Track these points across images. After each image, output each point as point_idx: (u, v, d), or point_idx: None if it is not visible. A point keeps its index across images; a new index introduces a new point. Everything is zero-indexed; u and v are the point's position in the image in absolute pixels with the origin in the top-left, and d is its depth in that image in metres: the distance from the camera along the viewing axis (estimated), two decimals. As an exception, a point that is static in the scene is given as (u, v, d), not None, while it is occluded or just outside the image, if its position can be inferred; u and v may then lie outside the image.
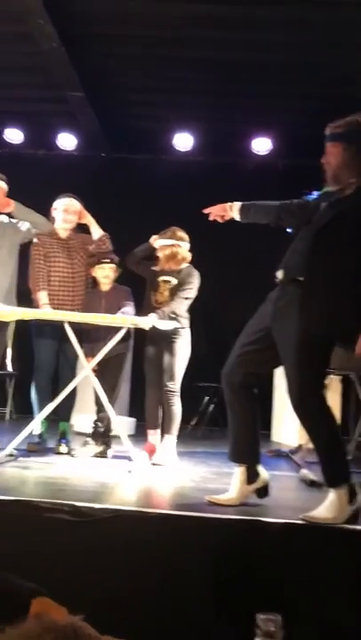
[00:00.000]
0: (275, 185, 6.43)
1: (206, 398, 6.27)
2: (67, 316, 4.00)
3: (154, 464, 4.13)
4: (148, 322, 4.01)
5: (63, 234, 4.48)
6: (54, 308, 4.25)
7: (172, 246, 4.34)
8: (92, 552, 2.42)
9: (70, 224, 4.47)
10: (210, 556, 2.37)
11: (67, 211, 4.43)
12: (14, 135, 7.00)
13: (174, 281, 4.35)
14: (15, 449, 3.85)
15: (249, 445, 2.93)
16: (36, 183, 6.15)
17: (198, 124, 6.69)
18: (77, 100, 6.14)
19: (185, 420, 5.71)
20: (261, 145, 6.78)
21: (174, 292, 4.33)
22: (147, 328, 4.04)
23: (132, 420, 5.91)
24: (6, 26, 5.27)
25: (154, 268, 4.45)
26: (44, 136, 7.01)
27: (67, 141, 7.02)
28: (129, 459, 4.01)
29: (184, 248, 4.39)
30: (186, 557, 2.39)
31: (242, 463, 2.92)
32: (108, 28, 5.36)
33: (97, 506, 2.55)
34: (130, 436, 4.82)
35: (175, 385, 4.31)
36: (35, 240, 4.40)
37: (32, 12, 4.85)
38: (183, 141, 6.81)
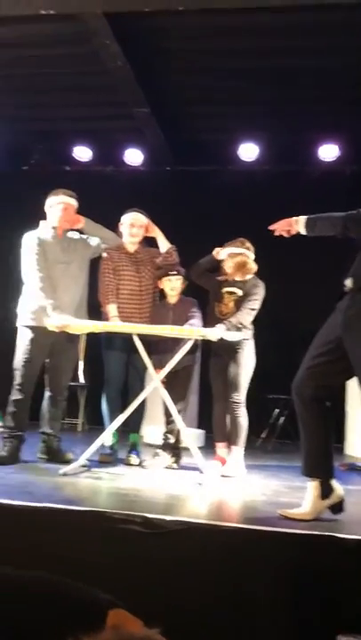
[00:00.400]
0: (342, 192, 6.29)
1: (277, 410, 6.18)
2: (135, 329, 4.04)
3: (223, 476, 4.10)
4: (215, 333, 4.00)
5: (131, 248, 4.54)
6: (123, 321, 4.31)
7: (242, 254, 4.33)
8: (164, 564, 2.42)
9: (137, 238, 4.53)
10: (283, 572, 2.32)
11: (133, 225, 4.50)
12: (83, 153, 7.18)
13: (240, 292, 4.33)
14: (87, 460, 3.91)
15: (322, 459, 2.86)
16: (105, 199, 6.28)
17: (263, 134, 6.66)
18: (143, 115, 6.24)
19: (256, 433, 5.67)
20: (328, 152, 6.67)
21: (240, 303, 4.31)
22: (214, 339, 4.03)
23: (201, 431, 5.90)
24: (73, 47, 5.43)
25: (218, 279, 4.45)
26: (112, 153, 7.16)
27: (133, 157, 7.14)
28: (199, 471, 3.99)
29: (251, 258, 4.37)
30: (258, 573, 2.35)
31: (315, 478, 2.85)
32: (170, 44, 5.43)
33: (168, 518, 2.55)
34: (199, 447, 4.81)
35: (240, 396, 4.28)
36: (104, 255, 4.49)
37: (98, 33, 4.98)
38: (248, 151, 6.79)
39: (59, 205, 4.25)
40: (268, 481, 4.00)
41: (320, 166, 6.76)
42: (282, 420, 6.12)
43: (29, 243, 4.17)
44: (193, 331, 4.03)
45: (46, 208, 4.32)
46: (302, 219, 3.00)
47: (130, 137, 6.96)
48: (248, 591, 2.31)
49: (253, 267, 4.37)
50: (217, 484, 3.74)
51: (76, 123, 6.89)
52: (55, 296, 4.06)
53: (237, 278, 4.37)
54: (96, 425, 6.33)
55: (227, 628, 2.24)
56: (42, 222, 4.33)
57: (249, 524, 2.63)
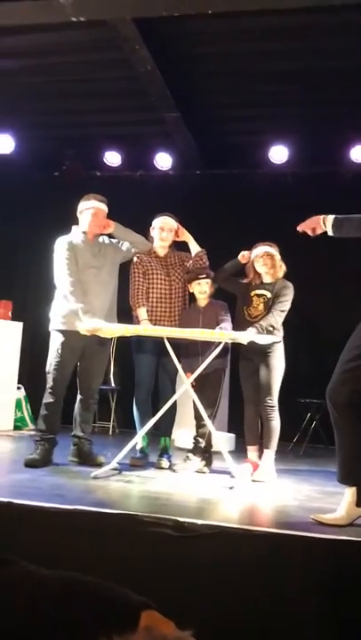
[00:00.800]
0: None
1: (308, 415, 6.12)
2: (166, 332, 4.05)
3: (254, 480, 4.07)
4: (246, 336, 3.99)
5: (161, 252, 4.56)
6: (153, 324, 4.32)
7: (272, 254, 4.33)
8: (195, 567, 2.41)
9: (167, 242, 4.55)
10: (316, 578, 2.29)
11: (163, 229, 4.52)
12: (113, 158, 7.24)
13: (269, 294, 4.32)
14: (118, 463, 3.93)
15: (357, 465, 2.81)
16: (135, 203, 6.32)
17: (293, 136, 6.62)
18: (173, 120, 6.27)
19: (287, 438, 5.62)
20: (359, 153, 6.59)
21: (269, 305, 4.29)
22: (245, 343, 4.01)
23: (232, 435, 5.87)
24: (103, 53, 5.48)
25: (245, 282, 4.44)
26: (142, 157, 7.20)
27: (163, 161, 7.17)
28: (230, 475, 3.97)
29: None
30: (290, 578, 2.33)
31: (351, 484, 2.81)
32: (199, 48, 5.44)
33: (200, 522, 2.54)
34: (230, 451, 4.79)
35: (273, 399, 4.25)
36: (134, 259, 4.51)
37: (127, 38, 5.02)
38: (279, 154, 6.75)
39: (89, 210, 4.29)
40: (300, 486, 3.96)
41: (352, 168, 6.69)
42: (314, 424, 6.06)
43: (61, 247, 4.21)
44: (224, 334, 4.02)
45: (78, 213, 4.37)
46: (330, 218, 2.97)
47: (159, 141, 6.99)
48: (280, 596, 2.29)
49: (283, 267, 4.37)
50: (248, 489, 3.72)
51: (106, 128, 6.95)
52: (86, 300, 4.09)
53: (267, 280, 4.36)
54: (127, 428, 6.37)
55: (258, 632, 2.22)
56: (74, 227, 4.38)
57: (281, 528, 2.60)
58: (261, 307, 4.32)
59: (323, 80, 5.68)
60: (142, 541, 2.51)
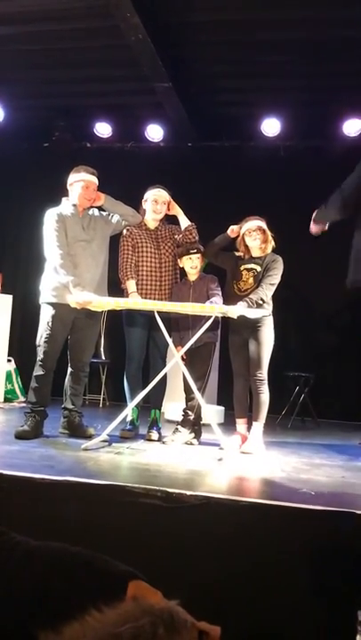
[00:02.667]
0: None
1: (297, 388, 6.17)
2: (157, 306, 4.05)
3: (243, 452, 4.12)
4: (236, 310, 4.00)
5: (152, 224, 4.53)
6: (142, 297, 4.32)
7: (263, 229, 4.33)
8: (183, 537, 2.45)
9: (160, 215, 4.52)
10: (304, 548, 2.34)
11: (156, 201, 4.49)
12: (103, 129, 7.14)
13: (258, 268, 4.33)
14: (108, 435, 3.96)
15: None
16: (126, 175, 6.26)
17: (286, 109, 6.55)
18: (164, 90, 6.17)
19: (275, 411, 5.68)
20: (352, 127, 6.55)
21: (258, 278, 4.30)
22: (235, 317, 4.02)
23: (221, 408, 5.92)
24: (93, 20, 5.36)
25: (235, 255, 4.44)
26: (133, 128, 7.10)
27: (155, 132, 7.08)
28: (219, 446, 4.02)
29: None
30: (278, 548, 2.37)
31: None
32: (192, 16, 5.33)
33: (188, 492, 2.57)
34: (219, 424, 4.84)
35: (263, 373, 4.28)
36: (124, 231, 4.49)
37: (118, 5, 4.91)
38: (271, 126, 6.69)
39: (79, 183, 4.24)
40: (288, 458, 4.01)
41: (344, 142, 6.64)
42: (302, 397, 6.12)
43: (50, 220, 4.18)
44: (214, 307, 4.03)
45: (68, 185, 4.32)
46: (312, 223, 3.14)
47: (151, 112, 6.90)
48: (267, 566, 2.33)
49: (273, 242, 4.38)
50: (237, 460, 3.76)
51: (96, 98, 6.84)
52: (76, 273, 4.07)
53: (256, 254, 4.36)
54: (117, 401, 6.41)
55: (245, 601, 2.27)
56: (64, 199, 4.33)
57: (268, 499, 2.64)
58: (251, 280, 4.33)
59: (316, 52, 5.60)
60: (131, 512, 2.55)
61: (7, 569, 1.27)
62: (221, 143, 7.06)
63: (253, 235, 4.33)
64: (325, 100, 6.33)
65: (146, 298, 4.33)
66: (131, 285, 4.39)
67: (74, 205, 4.25)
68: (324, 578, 2.26)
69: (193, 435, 4.41)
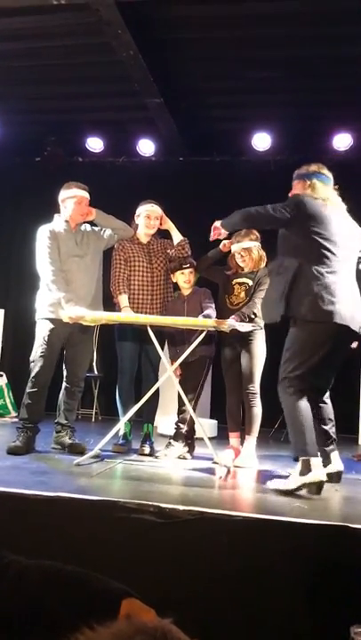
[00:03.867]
0: (356, 181, 6.24)
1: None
2: (149, 320, 4.05)
3: (236, 466, 4.11)
4: (228, 324, 4.00)
5: (145, 239, 4.55)
6: (134, 312, 4.32)
7: (255, 248, 4.39)
8: (177, 554, 2.43)
9: (153, 230, 4.54)
10: (298, 563, 2.32)
11: (149, 217, 4.51)
12: (95, 144, 7.18)
13: (250, 282, 4.36)
14: (101, 450, 3.94)
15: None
16: (117, 190, 6.28)
17: (276, 123, 6.61)
18: (156, 105, 6.22)
19: (268, 424, 5.66)
20: (342, 141, 6.61)
21: (250, 293, 4.33)
22: (227, 330, 4.03)
23: (214, 422, 5.91)
24: (85, 37, 5.41)
25: (227, 273, 4.48)
26: (125, 143, 7.15)
27: (146, 147, 7.12)
28: (212, 461, 4.00)
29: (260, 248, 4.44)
30: (272, 562, 2.36)
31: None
32: (182, 33, 5.39)
33: (182, 507, 2.56)
34: (212, 438, 4.83)
35: (255, 386, 4.29)
36: (116, 245, 4.50)
37: (110, 22, 4.96)
38: (262, 141, 6.74)
39: (72, 199, 4.25)
40: (282, 471, 4.00)
41: (335, 156, 6.70)
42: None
43: (43, 236, 4.18)
44: (206, 321, 4.03)
45: (60, 201, 4.33)
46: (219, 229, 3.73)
47: (142, 127, 6.94)
48: (261, 581, 2.32)
49: (264, 257, 4.40)
50: (230, 474, 3.75)
51: (88, 113, 6.88)
52: (69, 289, 4.07)
53: (247, 270, 4.40)
54: (110, 415, 6.38)
55: (240, 618, 2.25)
56: (56, 216, 4.34)
57: (262, 513, 2.63)
58: (243, 294, 4.35)
59: (306, 68, 5.67)
60: (124, 528, 2.53)
61: (0, 588, 1.26)
62: (212, 158, 7.11)
63: (239, 257, 4.41)
64: (315, 114, 6.40)
65: (138, 312, 4.34)
66: (123, 300, 4.39)
67: (66, 221, 4.26)
68: (318, 592, 2.25)
69: (186, 448, 4.39)
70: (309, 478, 3.08)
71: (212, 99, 6.45)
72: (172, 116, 6.43)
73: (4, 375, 6.60)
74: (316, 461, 3.12)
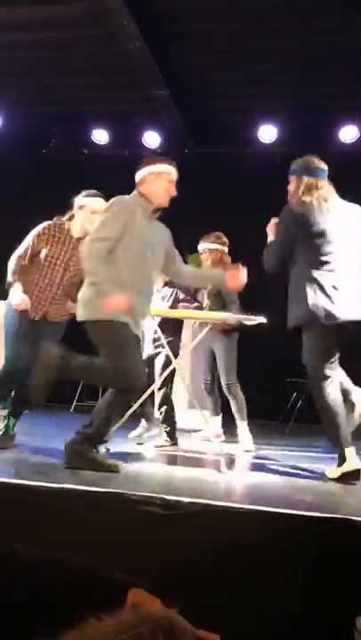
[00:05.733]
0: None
1: (294, 394, 6.17)
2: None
3: (245, 451, 4.32)
4: (235, 318, 4.12)
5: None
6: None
7: (218, 250, 4.60)
8: (182, 545, 2.44)
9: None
10: (302, 555, 2.33)
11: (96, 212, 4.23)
12: (101, 136, 7.16)
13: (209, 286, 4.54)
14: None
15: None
16: (123, 182, 6.25)
17: (283, 115, 6.58)
18: (162, 97, 6.20)
19: (274, 417, 5.69)
20: (348, 133, 6.58)
21: (212, 294, 4.56)
22: (233, 323, 4.10)
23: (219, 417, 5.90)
24: (91, 29, 5.40)
25: None
26: (130, 135, 7.12)
27: (152, 139, 7.10)
28: (219, 453, 4.02)
29: (226, 252, 4.65)
30: (277, 555, 2.37)
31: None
32: (189, 25, 5.38)
33: (187, 500, 2.56)
34: (218, 433, 4.83)
35: (231, 379, 4.54)
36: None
37: (115, 13, 4.94)
38: (268, 133, 6.72)
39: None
40: (286, 464, 4.00)
41: (341, 148, 6.67)
42: (300, 403, 6.11)
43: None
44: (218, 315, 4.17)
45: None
46: None
47: (148, 119, 6.92)
48: (265, 573, 2.33)
49: (229, 261, 4.56)
50: (236, 467, 3.76)
51: (93, 105, 6.87)
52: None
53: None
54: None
55: (244, 609, 2.26)
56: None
57: (268, 506, 2.64)
58: (207, 300, 4.60)
59: (313, 59, 5.64)
60: (130, 519, 2.54)
61: (6, 578, 1.27)
62: (218, 150, 7.08)
63: (206, 254, 4.62)
64: (322, 106, 6.37)
65: None
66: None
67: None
68: (323, 584, 2.25)
69: (167, 438, 4.40)
70: (346, 468, 3.22)
71: (218, 90, 6.43)
72: (177, 107, 6.42)
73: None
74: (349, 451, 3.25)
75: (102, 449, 3.50)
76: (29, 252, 3.85)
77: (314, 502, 2.78)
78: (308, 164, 3.58)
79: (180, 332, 4.61)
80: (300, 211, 3.38)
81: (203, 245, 4.63)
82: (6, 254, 5.36)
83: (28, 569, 1.26)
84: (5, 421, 3.96)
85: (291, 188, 3.63)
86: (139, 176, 3.51)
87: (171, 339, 4.39)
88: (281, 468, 3.82)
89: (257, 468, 3.87)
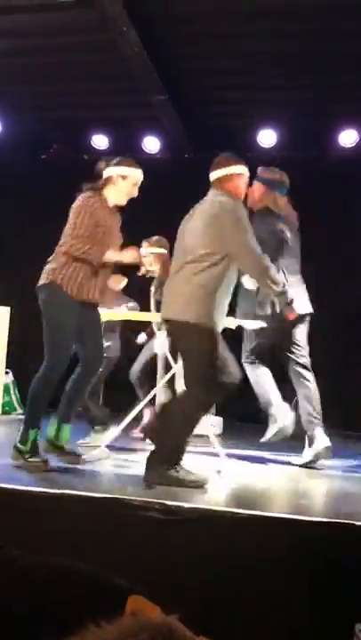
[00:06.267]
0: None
1: (296, 397, 6.15)
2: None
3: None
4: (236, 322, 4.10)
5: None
6: None
7: (162, 255, 4.82)
8: (182, 551, 2.44)
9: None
10: (302, 560, 2.32)
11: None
12: (100, 141, 7.17)
13: (152, 289, 4.88)
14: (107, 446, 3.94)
15: None
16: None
17: (282, 119, 6.59)
18: (161, 103, 6.21)
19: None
20: (348, 137, 6.59)
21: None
22: (233, 327, 4.08)
23: (220, 419, 5.90)
24: (90, 35, 5.41)
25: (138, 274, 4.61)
26: (130, 141, 7.13)
27: (151, 145, 7.11)
28: (217, 458, 4.01)
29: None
30: (276, 560, 2.36)
31: None
32: (187, 29, 5.38)
33: (186, 505, 2.56)
34: (218, 435, 4.83)
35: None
36: None
37: (115, 20, 4.95)
38: (267, 138, 6.73)
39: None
40: (286, 468, 4.00)
41: (340, 152, 6.68)
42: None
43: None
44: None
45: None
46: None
47: (147, 125, 6.93)
48: (266, 578, 2.32)
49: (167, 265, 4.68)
50: (235, 472, 3.75)
51: (93, 111, 6.88)
52: None
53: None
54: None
55: (244, 615, 2.26)
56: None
57: (266, 510, 2.63)
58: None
59: (312, 63, 5.64)
60: (129, 525, 2.54)
61: (5, 584, 1.26)
62: (217, 154, 7.07)
63: (153, 258, 4.83)
64: (321, 110, 6.38)
65: None
66: None
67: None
68: (323, 590, 2.25)
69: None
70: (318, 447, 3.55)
71: (218, 95, 6.43)
72: (177, 112, 6.42)
73: (11, 372, 6.62)
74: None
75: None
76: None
77: (314, 507, 2.77)
78: (279, 177, 4.20)
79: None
80: (285, 235, 3.99)
81: (148, 250, 4.76)
82: (9, 255, 5.41)
83: (27, 576, 1.26)
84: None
85: (258, 194, 4.12)
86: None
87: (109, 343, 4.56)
88: (281, 472, 3.81)
89: (256, 472, 3.86)
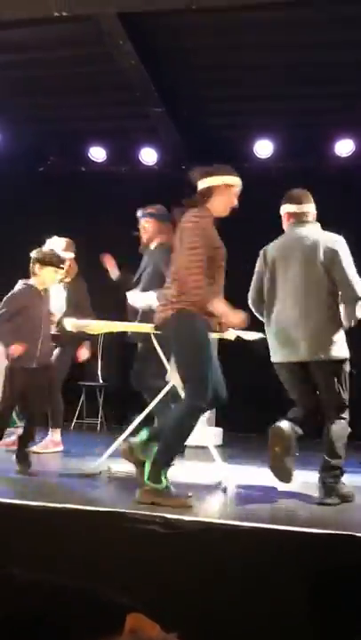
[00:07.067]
0: (359, 187, 6.26)
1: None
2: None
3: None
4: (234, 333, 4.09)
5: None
6: None
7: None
8: (183, 565, 2.42)
9: None
10: (303, 572, 2.31)
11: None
12: (98, 153, 7.19)
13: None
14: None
15: None
16: (120, 199, 6.29)
17: (278, 130, 6.62)
18: (158, 114, 6.24)
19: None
20: (344, 147, 6.62)
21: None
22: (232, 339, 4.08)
23: (220, 429, 5.88)
24: (87, 48, 5.44)
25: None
26: (127, 152, 7.16)
27: (148, 156, 7.14)
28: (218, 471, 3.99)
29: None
30: (278, 573, 2.34)
31: None
32: (183, 42, 5.42)
33: (187, 518, 2.55)
34: (218, 446, 4.81)
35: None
36: None
37: (111, 33, 4.99)
38: (264, 148, 6.76)
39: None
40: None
41: (336, 162, 6.71)
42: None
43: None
44: None
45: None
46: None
47: (145, 136, 6.97)
48: (268, 591, 2.30)
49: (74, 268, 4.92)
50: (236, 484, 3.73)
51: (90, 123, 6.91)
52: None
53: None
54: (116, 424, 6.37)
55: (247, 628, 2.24)
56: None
57: (267, 523, 2.62)
58: None
59: (307, 74, 5.68)
60: (130, 539, 2.52)
61: (4, 601, 1.25)
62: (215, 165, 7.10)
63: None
64: (317, 121, 6.41)
65: None
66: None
67: None
68: (324, 602, 2.23)
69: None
70: None
71: (214, 106, 6.47)
72: (174, 124, 6.46)
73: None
74: None
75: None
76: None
77: (316, 519, 2.76)
78: None
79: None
80: None
81: (69, 255, 4.78)
82: (6, 268, 5.40)
83: (26, 593, 1.25)
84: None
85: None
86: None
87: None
88: (281, 485, 3.79)
89: (257, 485, 3.84)
